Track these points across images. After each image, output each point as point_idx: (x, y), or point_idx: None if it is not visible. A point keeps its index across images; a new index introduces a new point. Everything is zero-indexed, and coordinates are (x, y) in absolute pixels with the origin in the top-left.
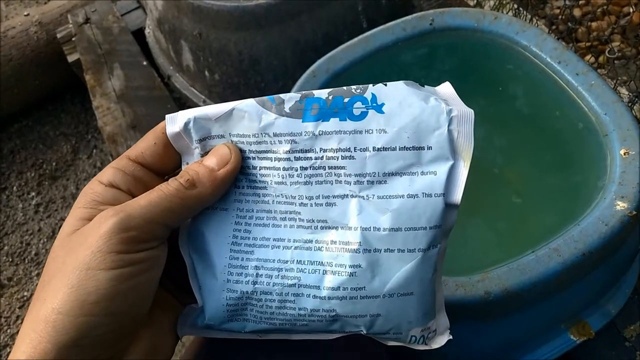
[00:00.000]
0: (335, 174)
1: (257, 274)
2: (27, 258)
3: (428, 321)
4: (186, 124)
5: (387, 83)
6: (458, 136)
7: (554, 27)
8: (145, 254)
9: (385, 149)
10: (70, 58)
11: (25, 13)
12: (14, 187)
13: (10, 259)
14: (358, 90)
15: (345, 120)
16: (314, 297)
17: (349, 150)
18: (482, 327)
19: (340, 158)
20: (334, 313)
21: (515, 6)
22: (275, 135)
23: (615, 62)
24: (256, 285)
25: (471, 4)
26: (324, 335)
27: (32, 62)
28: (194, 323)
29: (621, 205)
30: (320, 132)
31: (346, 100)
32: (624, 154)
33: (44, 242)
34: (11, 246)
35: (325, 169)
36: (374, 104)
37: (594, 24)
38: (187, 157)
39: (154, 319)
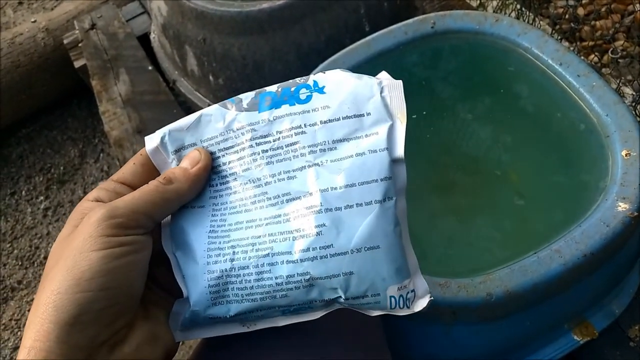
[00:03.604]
0: (292, 150)
1: (233, 251)
2: (37, 261)
3: (403, 279)
4: (162, 138)
5: (326, 71)
6: (391, 101)
7: (557, 26)
8: (132, 238)
9: (330, 120)
10: (77, 64)
11: (33, 20)
12: (23, 192)
13: (20, 263)
14: (301, 80)
15: (294, 104)
16: (288, 262)
17: (300, 127)
18: (484, 327)
19: (294, 135)
20: (309, 276)
21: (519, 6)
22: (237, 129)
23: (620, 61)
24: (234, 262)
25: (474, 5)
26: (309, 314)
27: (39, 68)
28: (184, 321)
29: (623, 207)
30: (274, 118)
31: (293, 89)
32: (626, 155)
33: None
34: (20, 250)
35: (283, 148)
36: (317, 88)
37: (598, 23)
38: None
39: (151, 313)
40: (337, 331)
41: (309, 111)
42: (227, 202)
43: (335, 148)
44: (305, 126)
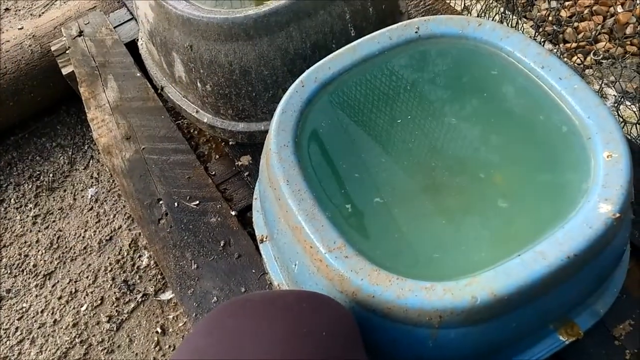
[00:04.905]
0: None
1: None
2: (26, 269)
3: None
4: None
5: None
6: None
7: (540, 29)
8: None
9: None
10: (65, 71)
11: (20, 26)
12: (12, 199)
13: (9, 271)
14: None
15: None
16: None
17: None
18: (470, 330)
19: None
20: None
21: (502, 10)
22: None
23: (603, 62)
24: None
25: (458, 8)
26: None
27: (27, 75)
28: None
29: (605, 208)
30: None
31: None
32: (607, 156)
33: (42, 253)
34: (9, 258)
35: None
36: None
37: (581, 24)
38: None
39: None
40: (311, 334)
41: None
42: None
43: None
44: None
